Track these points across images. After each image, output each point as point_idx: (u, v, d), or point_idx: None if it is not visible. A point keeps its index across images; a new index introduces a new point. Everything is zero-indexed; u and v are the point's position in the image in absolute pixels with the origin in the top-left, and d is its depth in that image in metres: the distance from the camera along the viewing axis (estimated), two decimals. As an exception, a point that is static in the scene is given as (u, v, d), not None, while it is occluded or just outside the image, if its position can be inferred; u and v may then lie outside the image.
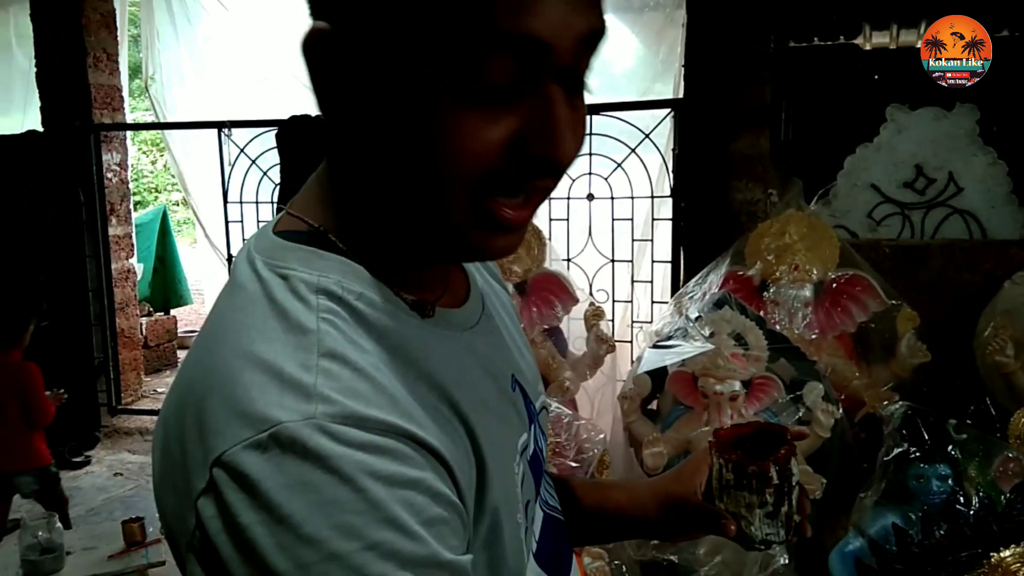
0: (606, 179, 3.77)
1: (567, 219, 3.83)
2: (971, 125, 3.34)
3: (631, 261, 3.91)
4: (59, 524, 2.61)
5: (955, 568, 1.87)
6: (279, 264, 0.55)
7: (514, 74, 0.49)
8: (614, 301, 3.90)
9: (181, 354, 6.83)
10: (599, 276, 3.90)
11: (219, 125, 4.57)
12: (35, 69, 4.82)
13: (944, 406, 2.52)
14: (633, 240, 3.88)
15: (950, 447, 2.28)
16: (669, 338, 2.81)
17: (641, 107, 3.61)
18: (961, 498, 2.17)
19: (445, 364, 0.57)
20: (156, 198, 12.71)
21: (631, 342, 3.83)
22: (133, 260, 5.32)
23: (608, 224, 3.83)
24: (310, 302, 0.53)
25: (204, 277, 7.65)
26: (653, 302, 3.91)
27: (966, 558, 1.87)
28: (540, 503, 0.71)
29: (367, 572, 0.44)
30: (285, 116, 4.27)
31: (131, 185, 5.33)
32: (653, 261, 3.91)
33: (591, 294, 3.73)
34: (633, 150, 3.73)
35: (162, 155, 11.89)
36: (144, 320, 6.26)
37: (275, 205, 4.35)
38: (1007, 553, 1.77)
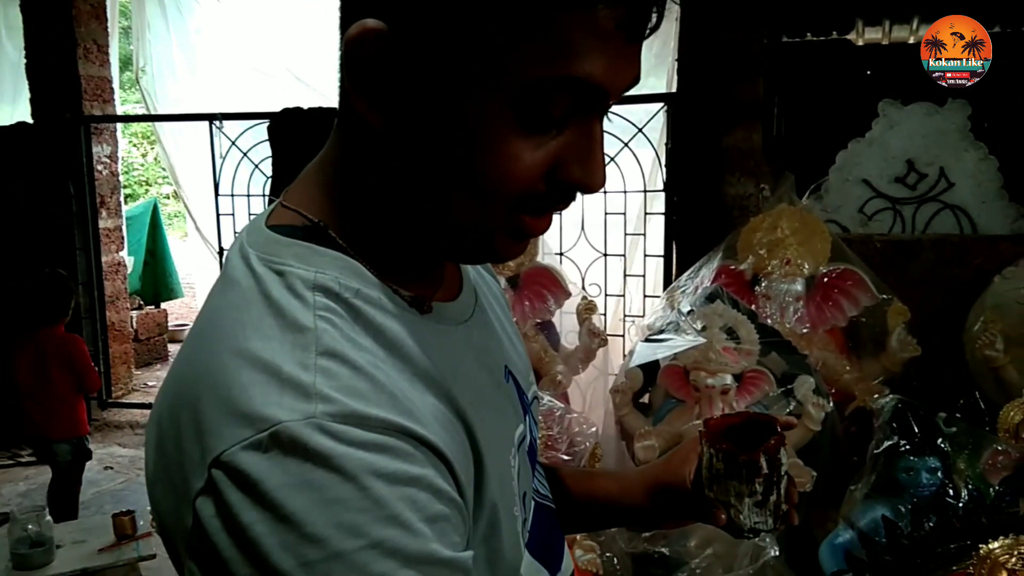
0: (599, 173, 3.76)
1: (559, 213, 3.81)
2: (963, 121, 3.36)
3: (623, 255, 3.92)
4: (48, 517, 2.60)
5: (944, 560, 1.89)
6: (274, 260, 0.55)
7: (568, 109, 0.52)
8: (606, 295, 3.91)
9: (172, 348, 6.82)
10: (591, 270, 3.90)
11: (210, 117, 4.54)
12: (25, 60, 4.77)
13: (934, 400, 2.53)
14: (625, 234, 3.89)
15: (940, 440, 2.29)
16: (661, 332, 2.82)
17: (634, 101, 3.60)
18: (950, 490, 2.18)
19: (442, 360, 0.57)
20: (147, 191, 12.64)
21: (623, 336, 3.84)
22: (123, 253, 5.29)
23: (600, 218, 3.83)
24: (307, 299, 0.52)
25: (195, 270, 7.61)
26: (645, 296, 3.92)
27: (955, 550, 1.88)
28: (532, 492, 0.72)
29: (370, 570, 0.44)
30: (277, 109, 4.26)
31: (121, 178, 5.30)
32: (645, 255, 3.92)
33: (583, 288, 3.74)
34: (626, 144, 3.73)
35: (153, 148, 11.84)
36: (135, 313, 6.23)
37: (267, 198, 4.33)
38: (996, 545, 1.78)
